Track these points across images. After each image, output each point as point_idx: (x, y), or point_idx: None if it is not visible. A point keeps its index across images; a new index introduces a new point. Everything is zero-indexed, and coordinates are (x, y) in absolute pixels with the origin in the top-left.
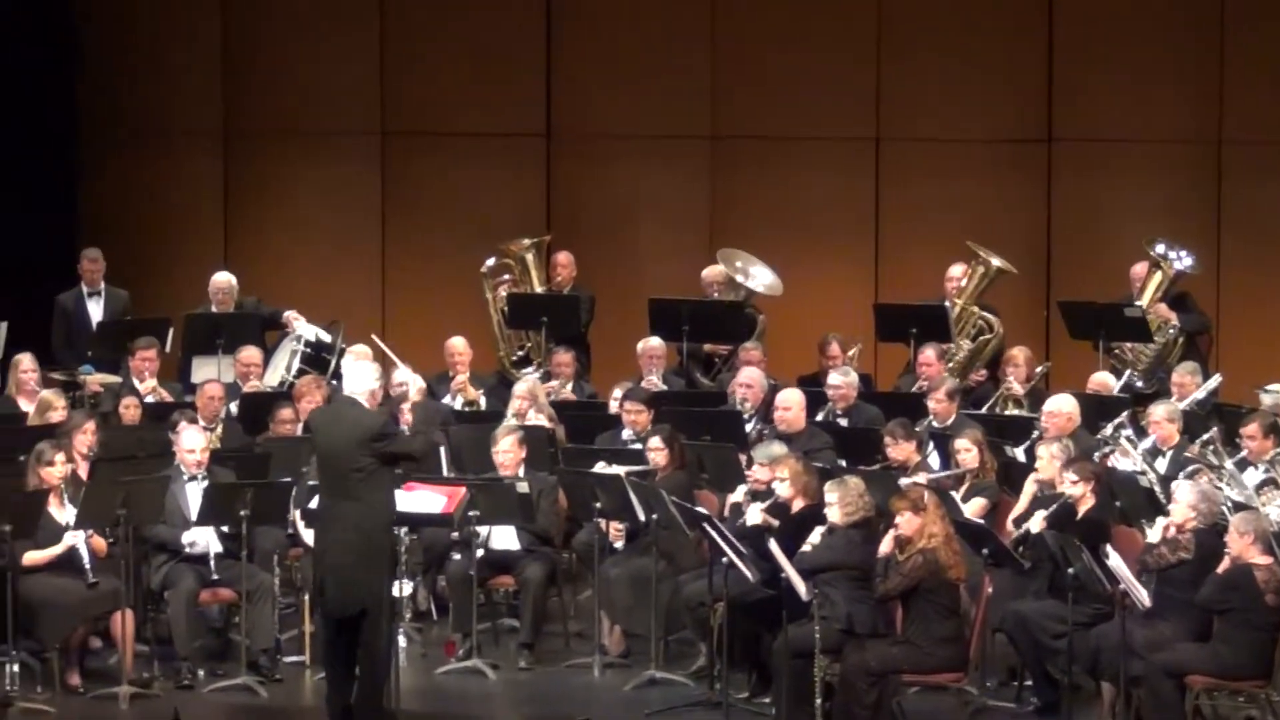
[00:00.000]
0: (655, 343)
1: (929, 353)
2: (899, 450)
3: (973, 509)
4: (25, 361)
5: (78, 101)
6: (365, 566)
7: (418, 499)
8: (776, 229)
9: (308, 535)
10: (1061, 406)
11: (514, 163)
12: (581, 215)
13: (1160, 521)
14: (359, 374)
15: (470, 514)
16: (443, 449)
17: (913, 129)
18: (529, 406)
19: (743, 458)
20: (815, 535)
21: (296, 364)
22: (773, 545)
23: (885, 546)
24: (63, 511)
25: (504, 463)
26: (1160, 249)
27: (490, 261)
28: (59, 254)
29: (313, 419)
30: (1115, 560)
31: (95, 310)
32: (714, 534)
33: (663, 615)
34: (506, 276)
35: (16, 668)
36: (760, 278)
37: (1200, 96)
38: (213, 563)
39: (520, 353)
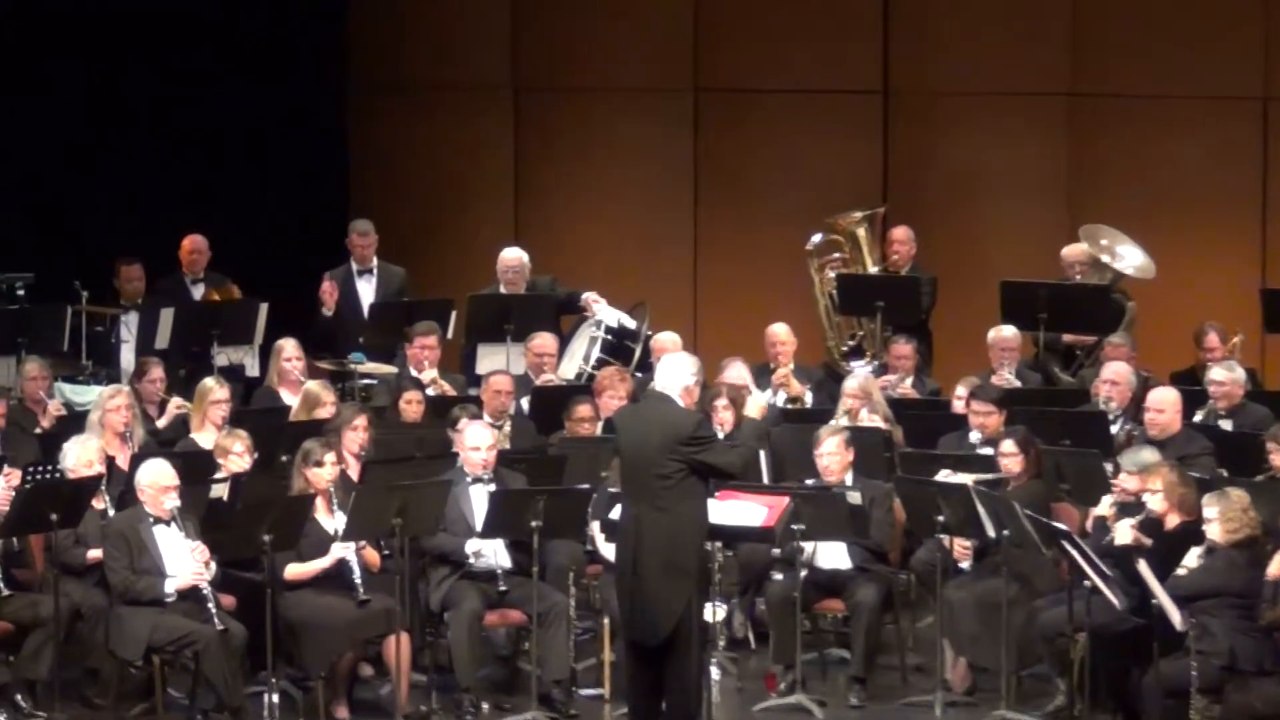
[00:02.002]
0: (1008, 332)
1: None
2: None
3: None
4: (288, 348)
5: (347, 55)
6: (672, 587)
7: (734, 510)
8: (1147, 201)
9: (608, 550)
10: None
11: (846, 125)
12: (922, 184)
13: None
14: (673, 366)
15: (794, 527)
16: (762, 452)
17: None
18: (861, 405)
19: (1108, 466)
20: (1192, 556)
21: (596, 353)
22: (1143, 567)
23: (1274, 569)
24: (331, 519)
25: (828, 467)
26: None
27: (817, 238)
28: (326, 227)
29: (618, 419)
30: None
31: (367, 291)
32: (1075, 553)
33: (1015, 646)
34: (836, 255)
35: (276, 698)
36: (1129, 258)
37: None
38: (500, 580)
39: (851, 342)
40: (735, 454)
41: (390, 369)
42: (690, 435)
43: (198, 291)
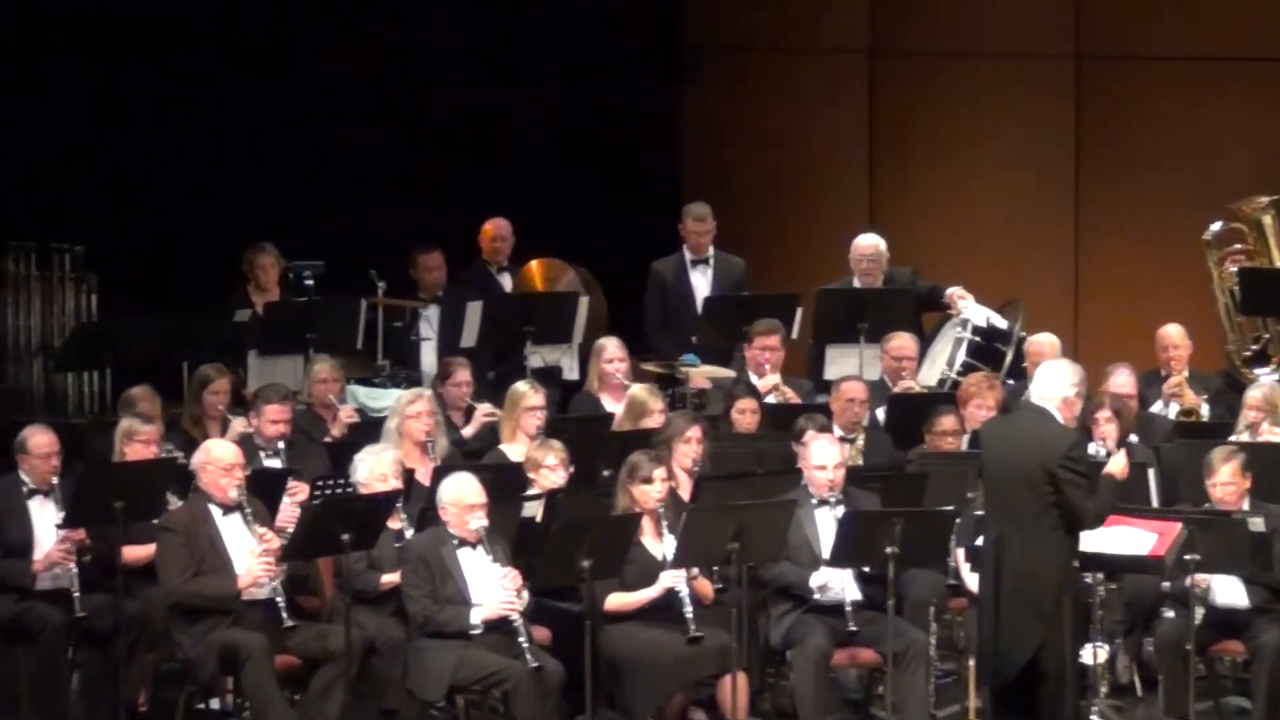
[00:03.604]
0: None
1: None
2: None
3: None
4: (610, 348)
5: (678, 13)
6: (1025, 625)
7: (1117, 537)
8: None
9: (973, 581)
10: None
11: (1250, 96)
12: None
13: None
14: (1051, 375)
15: (1188, 558)
16: (1151, 471)
17: None
18: (1265, 417)
19: None
20: None
21: (962, 356)
22: None
23: None
24: (659, 544)
25: (1223, 499)
26: None
27: (1216, 226)
28: (655, 211)
29: (985, 431)
30: None
31: (701, 283)
32: None
33: None
34: (1238, 246)
35: None
36: None
37: None
38: (849, 615)
39: (1255, 346)
40: (1093, 504)
41: (727, 372)
42: (1062, 456)
43: (505, 282)
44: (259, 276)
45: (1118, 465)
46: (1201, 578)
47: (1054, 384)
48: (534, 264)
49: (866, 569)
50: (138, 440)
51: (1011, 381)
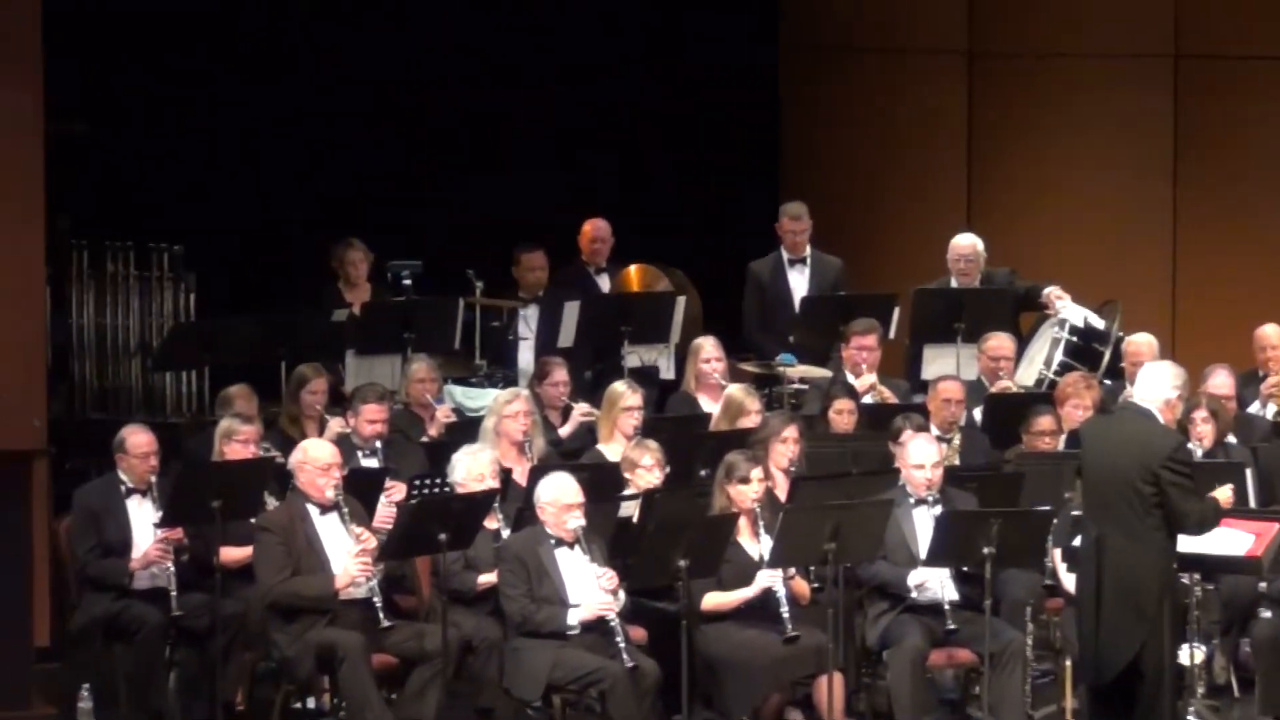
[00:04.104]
0: None
1: None
2: None
3: None
4: (708, 348)
5: (779, 15)
6: (1126, 626)
7: (1214, 537)
8: None
9: (1070, 581)
10: None
11: None
12: None
13: None
14: (1154, 377)
15: None
16: (1249, 471)
17: None
18: None
19: None
20: None
21: (1059, 356)
22: None
23: None
24: (755, 544)
25: None
26: None
27: None
28: (753, 210)
29: (1085, 431)
30: None
31: (798, 282)
32: None
33: None
34: None
35: None
36: None
37: None
38: (947, 615)
39: None
40: (1198, 508)
41: (824, 372)
42: (1166, 457)
43: (604, 282)
44: (349, 272)
45: (1224, 495)
46: None
47: (1157, 385)
48: (632, 270)
49: (964, 569)
50: (236, 440)
51: (1109, 381)
